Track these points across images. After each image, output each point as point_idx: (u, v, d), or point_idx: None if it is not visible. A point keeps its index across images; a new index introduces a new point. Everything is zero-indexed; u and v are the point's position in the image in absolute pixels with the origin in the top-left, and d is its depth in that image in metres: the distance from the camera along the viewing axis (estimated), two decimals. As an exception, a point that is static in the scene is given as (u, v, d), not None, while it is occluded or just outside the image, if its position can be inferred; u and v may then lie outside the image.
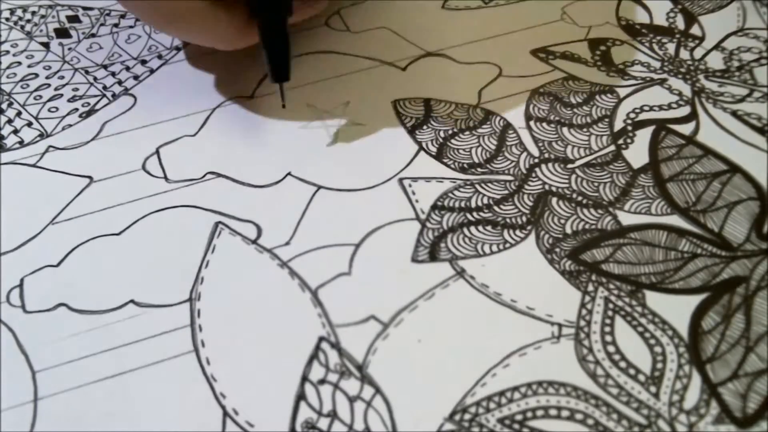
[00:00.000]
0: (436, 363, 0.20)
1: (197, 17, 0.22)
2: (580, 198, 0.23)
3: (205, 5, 0.22)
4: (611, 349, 0.20)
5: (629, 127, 0.25)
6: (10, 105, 0.27)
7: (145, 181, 0.24)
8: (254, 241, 0.22)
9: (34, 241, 0.23)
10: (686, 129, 0.25)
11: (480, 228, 0.22)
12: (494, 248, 0.22)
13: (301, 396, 0.19)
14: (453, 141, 0.25)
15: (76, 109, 0.26)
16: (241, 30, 0.24)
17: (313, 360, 0.20)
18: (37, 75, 0.28)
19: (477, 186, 0.23)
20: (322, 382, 0.19)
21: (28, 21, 0.30)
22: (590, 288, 0.21)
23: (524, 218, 0.23)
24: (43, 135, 0.26)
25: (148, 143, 0.25)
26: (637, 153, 0.24)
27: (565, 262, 0.22)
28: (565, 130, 0.25)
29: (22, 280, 0.22)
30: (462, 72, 0.27)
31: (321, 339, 0.20)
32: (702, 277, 0.21)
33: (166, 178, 0.24)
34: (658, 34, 0.28)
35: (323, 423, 0.19)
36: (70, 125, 0.26)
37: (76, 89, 0.27)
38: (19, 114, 0.26)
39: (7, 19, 0.30)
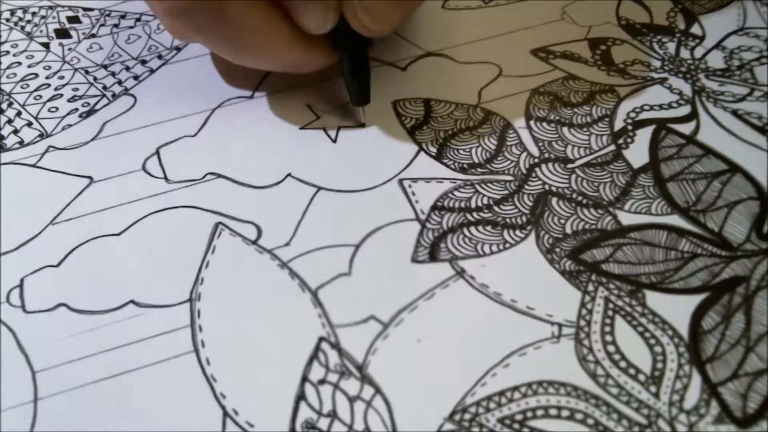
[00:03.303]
0: (436, 363, 0.20)
1: (287, 52, 0.23)
2: (580, 198, 0.23)
3: (293, 41, 0.23)
4: (611, 348, 0.20)
5: (629, 127, 0.25)
6: (10, 105, 0.27)
7: (145, 182, 0.24)
8: (254, 242, 0.22)
9: (34, 241, 0.23)
10: (686, 128, 0.25)
11: (480, 228, 0.22)
12: (494, 248, 0.22)
13: (301, 396, 0.19)
14: (453, 141, 0.25)
15: (76, 109, 0.26)
16: (324, 55, 0.24)
17: (313, 360, 0.20)
18: (37, 75, 0.28)
19: (477, 186, 0.23)
20: (322, 382, 0.19)
21: (29, 21, 0.30)
22: (590, 288, 0.21)
23: (524, 218, 0.23)
24: (43, 135, 0.26)
25: (148, 143, 0.25)
26: (637, 152, 0.24)
27: (565, 262, 0.21)
28: (565, 129, 0.25)
29: (22, 280, 0.22)
30: (462, 72, 0.27)
31: (321, 339, 0.20)
32: (702, 277, 0.21)
33: (166, 178, 0.24)
34: (658, 34, 0.28)
35: (323, 423, 0.19)
36: (70, 125, 0.26)
37: (76, 89, 0.27)
38: (19, 114, 0.26)
39: (8, 20, 0.30)
